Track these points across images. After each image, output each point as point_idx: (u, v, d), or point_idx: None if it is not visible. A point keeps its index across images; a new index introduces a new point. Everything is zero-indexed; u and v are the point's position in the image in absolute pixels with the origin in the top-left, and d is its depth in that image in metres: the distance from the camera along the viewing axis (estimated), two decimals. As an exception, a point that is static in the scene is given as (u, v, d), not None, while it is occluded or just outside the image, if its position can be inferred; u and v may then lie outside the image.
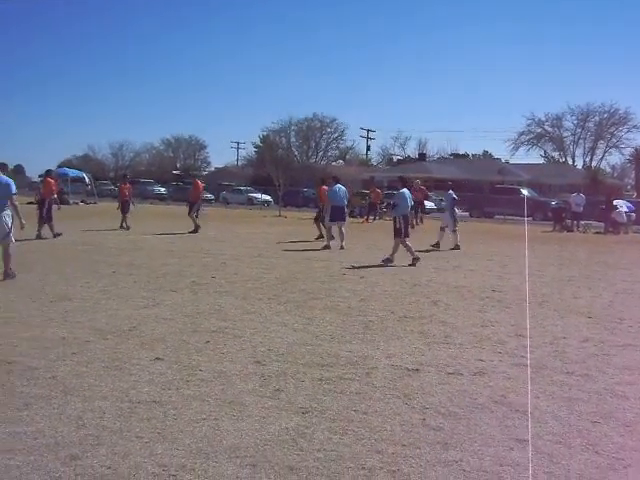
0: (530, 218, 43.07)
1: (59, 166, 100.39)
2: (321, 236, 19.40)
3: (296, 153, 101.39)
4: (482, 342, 8.24)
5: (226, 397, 5.89)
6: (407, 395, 6.11)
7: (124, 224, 25.36)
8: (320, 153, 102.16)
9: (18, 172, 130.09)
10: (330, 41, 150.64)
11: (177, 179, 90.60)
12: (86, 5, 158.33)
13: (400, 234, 16.10)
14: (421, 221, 33.54)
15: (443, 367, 7.05)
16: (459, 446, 5.00)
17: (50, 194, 21.80)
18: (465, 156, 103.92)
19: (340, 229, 19.93)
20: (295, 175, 75.38)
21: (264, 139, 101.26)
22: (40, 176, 72.67)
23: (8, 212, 12.16)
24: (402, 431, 5.26)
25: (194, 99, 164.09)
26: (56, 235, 20.88)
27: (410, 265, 15.77)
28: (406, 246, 16.11)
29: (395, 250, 16.19)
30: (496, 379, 6.68)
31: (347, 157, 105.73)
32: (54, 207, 21.78)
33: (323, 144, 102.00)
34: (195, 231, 24.10)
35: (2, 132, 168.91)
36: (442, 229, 21.14)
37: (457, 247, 20.39)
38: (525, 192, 48.23)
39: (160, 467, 4.50)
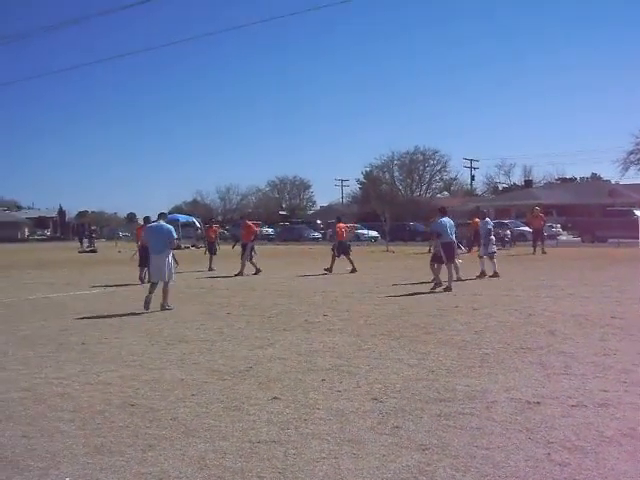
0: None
1: (170, 212, 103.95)
2: (438, 283, 18.65)
3: (400, 187, 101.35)
4: (605, 372, 7.91)
5: (345, 435, 5.85)
6: (530, 429, 5.90)
7: (212, 266, 25.97)
8: (424, 186, 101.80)
9: (130, 220, 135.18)
10: (428, 70, 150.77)
11: (284, 220, 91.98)
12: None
13: (439, 259, 17.45)
14: (543, 251, 32.41)
15: (565, 399, 6.80)
16: (589, 482, 4.78)
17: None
18: (573, 180, 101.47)
19: (449, 269, 19.70)
20: (400, 209, 75.37)
21: (368, 175, 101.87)
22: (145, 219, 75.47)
23: (170, 254, 14.69)
24: (527, 467, 5.08)
25: (297, 140, 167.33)
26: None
27: (446, 290, 16.79)
28: (450, 270, 17.29)
29: (450, 275, 17.26)
30: (623, 410, 6.38)
31: (452, 188, 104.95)
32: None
33: (427, 177, 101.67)
34: (256, 273, 23.49)
35: (115, 182, 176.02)
36: (481, 257, 21.00)
37: (482, 274, 20.33)
38: (639, 213, 46.53)
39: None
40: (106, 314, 14.00)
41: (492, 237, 21.19)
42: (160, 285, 14.73)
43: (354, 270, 23.70)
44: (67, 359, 9.40)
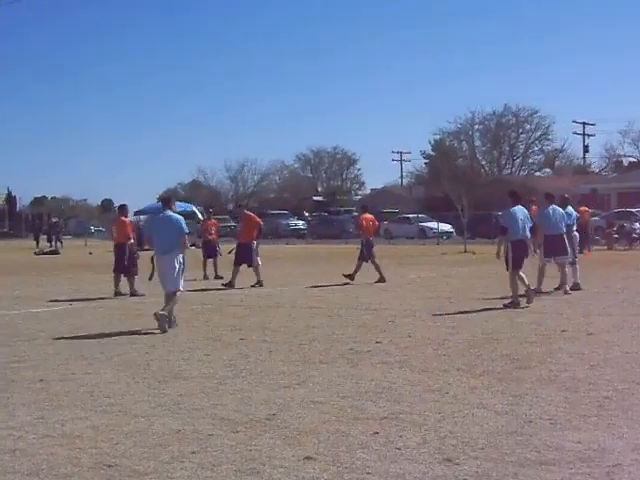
0: None
1: (159, 199, 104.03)
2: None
3: (483, 162, 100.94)
4: None
5: (406, 511, 5.85)
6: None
7: (212, 272, 26.25)
8: (517, 160, 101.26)
9: (105, 209, 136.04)
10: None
11: (319, 208, 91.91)
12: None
13: (515, 265, 17.51)
14: None
15: None
16: None
17: (126, 238, 22.59)
18: None
19: (562, 267, 19.67)
20: (483, 193, 74.91)
21: (437, 145, 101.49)
22: (137, 213, 76.02)
23: (178, 254, 15.15)
24: None
25: (337, 98, 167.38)
26: (133, 294, 21.64)
27: (506, 306, 17.08)
28: (514, 280, 17.43)
29: (513, 288, 17.39)
30: None
31: (556, 163, 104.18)
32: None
33: (521, 147, 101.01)
34: (259, 284, 23.43)
35: (84, 159, 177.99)
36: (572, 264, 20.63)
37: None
38: None
39: None
40: (73, 339, 14.14)
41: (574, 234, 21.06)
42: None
43: (382, 279, 23.95)
44: (19, 402, 9.49)
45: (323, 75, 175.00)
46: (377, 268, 24.26)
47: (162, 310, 14.97)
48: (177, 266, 15.20)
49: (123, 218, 23.28)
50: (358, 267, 24.60)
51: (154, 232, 15.80)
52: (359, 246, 25.40)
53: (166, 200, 16.40)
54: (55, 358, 12.34)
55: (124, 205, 24.58)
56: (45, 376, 10.91)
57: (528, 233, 18.01)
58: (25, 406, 9.25)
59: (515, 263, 17.56)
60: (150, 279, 22.03)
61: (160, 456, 7.23)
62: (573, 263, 20.56)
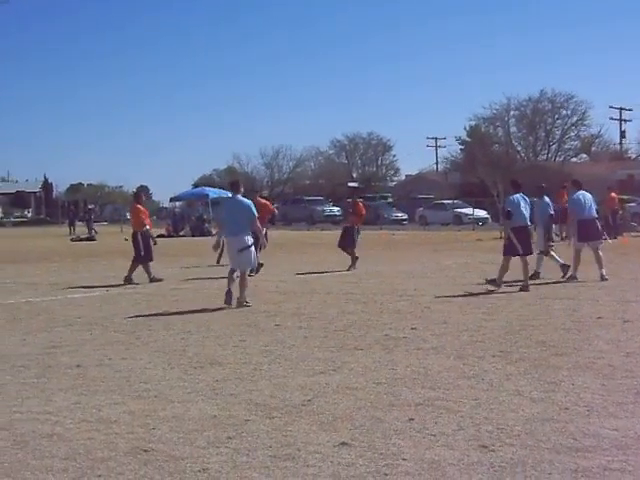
0: None
1: (195, 185, 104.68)
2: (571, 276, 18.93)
3: (519, 148, 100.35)
4: None
5: (441, 497, 5.85)
6: None
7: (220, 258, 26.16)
8: (553, 146, 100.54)
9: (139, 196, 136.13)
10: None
11: (355, 194, 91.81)
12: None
13: (508, 251, 18.09)
14: None
15: None
16: None
17: (141, 225, 22.41)
18: None
19: (595, 251, 19.56)
20: (519, 179, 74.57)
21: (473, 131, 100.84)
22: (173, 200, 76.35)
23: (250, 236, 16.30)
24: None
25: (372, 83, 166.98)
26: (153, 280, 21.65)
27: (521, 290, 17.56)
28: (506, 265, 18.02)
29: (501, 272, 18.00)
30: None
31: (593, 149, 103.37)
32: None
33: (557, 133, 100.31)
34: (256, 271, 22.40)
35: (120, 146, 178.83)
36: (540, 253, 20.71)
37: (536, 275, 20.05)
38: None
39: None
40: (109, 325, 14.25)
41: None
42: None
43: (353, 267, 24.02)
44: (57, 387, 9.58)
45: (358, 61, 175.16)
46: (353, 257, 24.28)
47: (239, 299, 16.12)
48: (251, 247, 16.31)
49: (137, 205, 23.09)
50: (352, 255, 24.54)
51: (225, 215, 16.87)
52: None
53: (235, 184, 17.11)
54: (92, 344, 12.43)
55: (138, 191, 24.68)
56: (82, 361, 10.99)
57: (528, 220, 18.63)
58: (62, 391, 9.33)
59: (512, 249, 18.12)
60: (218, 262, 22.47)
61: (196, 441, 7.26)
62: (541, 252, 20.49)
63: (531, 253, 18.40)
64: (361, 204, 25.84)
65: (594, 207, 20.24)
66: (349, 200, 26.77)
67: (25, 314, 16.07)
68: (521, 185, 19.43)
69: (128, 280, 21.48)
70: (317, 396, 8.79)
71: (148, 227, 22.50)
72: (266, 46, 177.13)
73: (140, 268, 21.82)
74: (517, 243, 17.91)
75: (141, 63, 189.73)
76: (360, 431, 7.45)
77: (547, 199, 21.40)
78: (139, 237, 22.09)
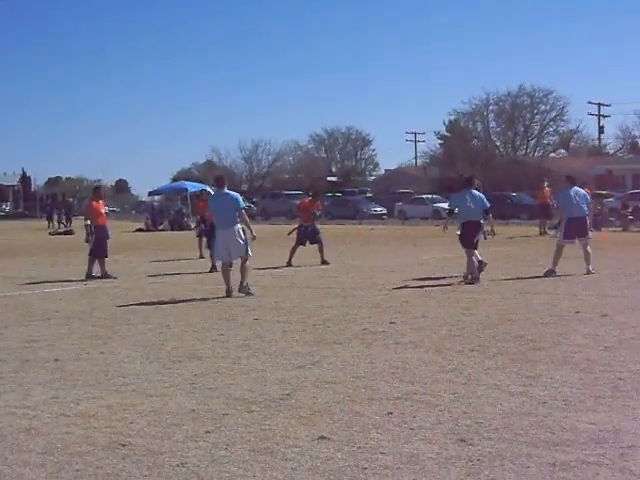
0: None
1: (174, 179, 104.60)
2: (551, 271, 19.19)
3: (498, 143, 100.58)
4: None
5: (420, 491, 5.86)
6: (684, 486, 5.85)
7: (203, 253, 26.15)
8: (532, 141, 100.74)
9: (119, 190, 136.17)
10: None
11: (334, 188, 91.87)
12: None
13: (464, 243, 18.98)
14: None
15: None
16: None
17: (93, 220, 21.95)
18: None
19: (584, 248, 19.65)
20: (498, 174, 74.83)
21: (452, 126, 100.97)
22: (152, 194, 76.15)
23: (240, 226, 17.04)
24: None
25: (350, 77, 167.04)
26: (105, 276, 21.33)
27: (468, 283, 18.25)
28: (470, 257, 18.77)
29: (471, 264, 18.73)
30: None
31: (571, 144, 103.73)
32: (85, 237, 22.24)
33: (536, 128, 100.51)
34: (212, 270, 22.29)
35: (98, 139, 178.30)
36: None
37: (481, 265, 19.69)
38: None
39: None
40: (87, 319, 14.21)
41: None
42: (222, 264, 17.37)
43: (289, 264, 23.94)
44: (34, 381, 9.55)
45: (337, 55, 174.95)
46: (291, 256, 24.21)
47: (242, 284, 16.89)
48: (242, 235, 16.97)
49: (91, 201, 22.67)
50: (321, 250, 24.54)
51: (215, 210, 17.64)
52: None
53: (220, 179, 17.91)
54: (69, 338, 12.40)
55: (97, 187, 24.80)
56: (60, 355, 10.96)
57: (479, 215, 19.25)
58: (40, 385, 9.31)
59: (467, 242, 18.92)
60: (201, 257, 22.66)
61: (174, 435, 7.26)
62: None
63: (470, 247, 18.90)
64: (307, 201, 25.75)
65: (586, 204, 20.30)
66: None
67: (2, 308, 16.01)
68: (473, 182, 20.11)
69: (89, 276, 21.27)
70: (296, 390, 8.80)
71: (89, 222, 21.88)
72: (246, 41, 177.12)
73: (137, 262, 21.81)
74: (465, 235, 19.05)
75: (120, 59, 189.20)
76: (339, 425, 7.46)
77: (475, 192, 21.07)
78: (93, 231, 21.77)
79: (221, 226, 17.18)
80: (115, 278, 21.06)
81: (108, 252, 22.12)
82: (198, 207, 28.90)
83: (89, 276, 21.29)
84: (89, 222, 21.90)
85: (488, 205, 19.50)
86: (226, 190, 17.50)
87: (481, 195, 19.64)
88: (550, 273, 19.33)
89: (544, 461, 6.36)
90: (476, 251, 19.33)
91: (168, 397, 8.65)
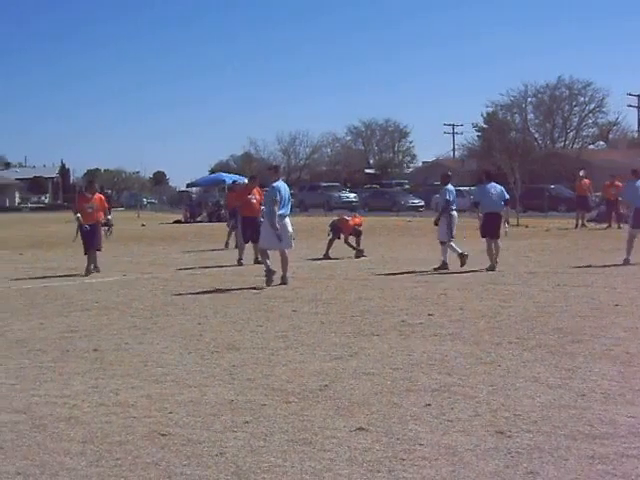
0: None
1: (212, 171, 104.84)
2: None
3: (536, 135, 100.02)
4: None
5: (458, 483, 5.85)
6: None
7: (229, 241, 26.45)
8: (571, 133, 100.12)
9: (158, 181, 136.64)
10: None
11: (372, 181, 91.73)
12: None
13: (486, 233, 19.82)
14: None
15: None
16: None
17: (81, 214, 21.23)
18: None
19: None
20: (536, 166, 74.34)
21: (490, 118, 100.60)
22: (189, 186, 76.35)
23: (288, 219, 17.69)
24: None
25: (389, 70, 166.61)
26: (93, 269, 20.86)
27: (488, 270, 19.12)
28: (445, 248, 20.13)
29: (444, 254, 19.91)
30: None
31: (610, 136, 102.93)
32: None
33: (574, 120, 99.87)
34: (239, 262, 22.51)
35: (137, 131, 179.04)
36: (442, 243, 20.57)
37: (444, 266, 19.92)
38: None
39: None
40: (126, 310, 14.29)
41: (454, 213, 20.60)
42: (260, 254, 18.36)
43: (327, 256, 23.79)
44: (74, 371, 9.63)
45: (375, 47, 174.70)
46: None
47: (283, 275, 17.38)
48: (290, 227, 17.66)
49: (79, 194, 22.81)
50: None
51: (283, 198, 17.49)
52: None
53: (252, 179, 19.74)
54: (109, 328, 12.47)
55: (89, 180, 24.33)
56: (99, 346, 11.04)
57: (501, 207, 20.15)
58: (79, 375, 9.38)
59: (489, 232, 19.75)
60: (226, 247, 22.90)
61: (213, 425, 7.30)
62: (443, 243, 20.32)
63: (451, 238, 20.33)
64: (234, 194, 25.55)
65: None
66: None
67: (43, 299, 16.13)
68: (450, 178, 21.46)
69: (88, 271, 20.66)
70: (334, 381, 8.81)
71: (79, 216, 21.09)
72: (283, 32, 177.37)
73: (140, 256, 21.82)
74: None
75: (157, 47, 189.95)
76: (377, 416, 7.47)
77: (450, 187, 20.85)
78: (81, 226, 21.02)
79: (283, 216, 17.40)
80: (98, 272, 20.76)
81: (100, 246, 21.45)
82: (231, 197, 29.16)
83: (89, 271, 20.63)
84: (79, 215, 21.11)
85: (507, 197, 20.39)
86: (282, 183, 17.96)
87: (502, 187, 20.32)
88: (626, 262, 19.64)
89: (583, 454, 6.34)
90: (452, 243, 20.17)
91: (207, 387, 8.69)
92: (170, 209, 79.93)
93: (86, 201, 21.42)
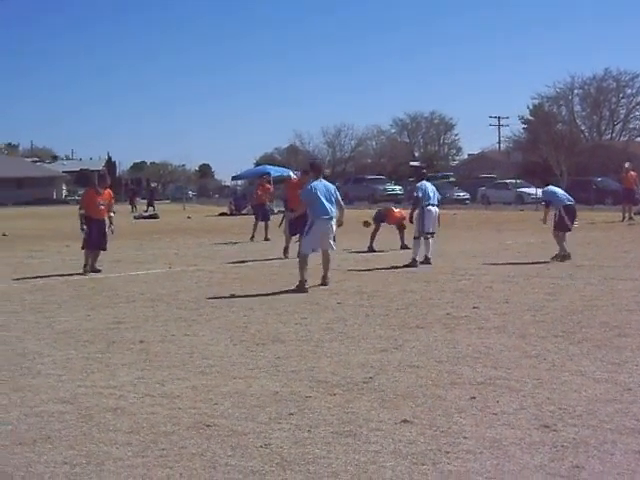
0: None
1: (257, 163, 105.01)
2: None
3: (583, 127, 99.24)
4: None
5: (503, 476, 5.83)
6: None
7: (259, 235, 27.64)
8: (617, 125, 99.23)
9: (203, 174, 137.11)
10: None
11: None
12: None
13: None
14: None
15: None
16: None
17: (87, 211, 20.15)
18: None
19: None
20: (583, 158, 73.79)
21: (536, 110, 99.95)
22: (235, 178, 76.63)
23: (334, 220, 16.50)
24: None
25: (434, 62, 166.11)
26: (86, 271, 19.55)
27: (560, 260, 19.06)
28: (416, 244, 19.78)
29: (414, 249, 19.70)
30: None
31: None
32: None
33: (621, 112, 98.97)
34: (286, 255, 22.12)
35: (181, 124, 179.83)
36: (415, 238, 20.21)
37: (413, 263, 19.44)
38: None
39: None
40: (171, 302, 14.38)
41: (430, 208, 20.19)
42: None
43: (371, 249, 23.76)
44: (120, 362, 9.72)
45: (421, 40, 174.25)
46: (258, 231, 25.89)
47: (325, 275, 16.30)
48: (334, 227, 16.49)
49: (89, 189, 21.24)
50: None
51: (321, 197, 16.20)
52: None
53: (315, 166, 17.82)
54: (154, 320, 12.56)
55: (101, 174, 20.95)
56: (145, 337, 11.12)
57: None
58: (126, 366, 9.46)
59: (564, 226, 20.26)
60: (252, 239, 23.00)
61: (258, 417, 7.33)
62: (426, 238, 20.01)
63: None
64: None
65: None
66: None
67: (89, 290, 16.28)
68: (425, 174, 21.74)
69: (87, 269, 19.65)
70: (378, 373, 8.82)
71: (83, 212, 20.07)
72: (329, 24, 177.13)
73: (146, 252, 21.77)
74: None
75: (204, 38, 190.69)
76: (421, 409, 7.47)
77: (424, 183, 20.47)
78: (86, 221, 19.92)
79: (325, 216, 16.10)
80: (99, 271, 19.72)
81: (105, 246, 20.32)
82: (259, 191, 29.69)
83: (86, 269, 19.59)
84: (83, 212, 20.08)
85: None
86: (323, 180, 16.81)
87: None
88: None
89: (629, 448, 6.30)
90: (422, 242, 19.83)
91: (252, 379, 8.73)
92: (215, 201, 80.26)
93: (98, 197, 20.19)
